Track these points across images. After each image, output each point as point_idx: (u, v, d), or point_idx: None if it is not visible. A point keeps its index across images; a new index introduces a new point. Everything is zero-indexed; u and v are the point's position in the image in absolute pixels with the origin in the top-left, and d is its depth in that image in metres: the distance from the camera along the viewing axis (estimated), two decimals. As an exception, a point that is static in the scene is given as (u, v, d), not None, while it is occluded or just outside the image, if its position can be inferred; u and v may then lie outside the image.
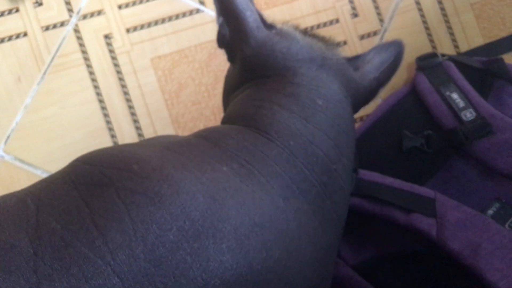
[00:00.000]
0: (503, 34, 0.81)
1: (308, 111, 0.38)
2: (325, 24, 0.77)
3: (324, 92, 0.40)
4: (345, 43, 0.78)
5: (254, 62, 0.42)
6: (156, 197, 0.25)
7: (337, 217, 0.37)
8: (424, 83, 0.70)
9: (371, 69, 0.47)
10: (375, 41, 0.78)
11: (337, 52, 0.46)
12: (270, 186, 0.31)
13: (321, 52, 0.44)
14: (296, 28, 0.47)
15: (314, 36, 0.47)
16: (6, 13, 0.71)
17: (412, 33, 0.79)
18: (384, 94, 0.78)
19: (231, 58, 0.46)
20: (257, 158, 0.32)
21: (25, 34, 0.71)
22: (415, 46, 0.79)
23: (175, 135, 0.38)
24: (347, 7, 0.78)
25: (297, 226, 0.30)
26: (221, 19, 0.44)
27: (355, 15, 0.78)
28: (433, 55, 0.74)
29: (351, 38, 0.78)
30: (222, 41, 0.45)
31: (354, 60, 0.48)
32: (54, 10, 0.72)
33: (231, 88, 0.46)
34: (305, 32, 0.47)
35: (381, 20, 0.79)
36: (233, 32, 0.43)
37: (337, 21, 0.78)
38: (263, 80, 0.42)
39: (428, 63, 0.72)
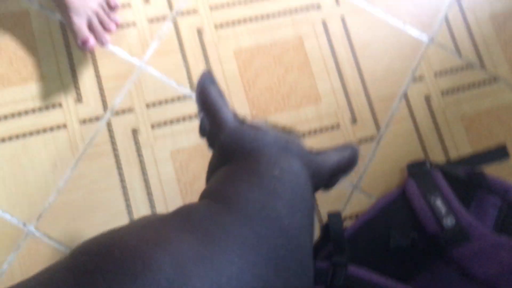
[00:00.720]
0: (491, 143, 0.89)
1: (265, 181, 0.47)
2: (326, 128, 0.87)
3: (282, 165, 0.49)
4: (344, 146, 0.87)
5: (228, 147, 0.52)
6: (132, 274, 0.33)
7: (292, 260, 0.44)
8: (413, 189, 0.77)
9: (330, 159, 0.56)
10: (372, 145, 0.87)
11: (300, 141, 0.56)
12: (228, 248, 0.39)
13: (285, 139, 0.53)
14: (265, 121, 0.58)
15: (280, 128, 0.57)
16: (50, 107, 0.82)
17: (406, 140, 0.88)
18: (378, 194, 0.85)
19: (210, 145, 0.56)
20: (218, 225, 0.41)
21: (65, 126, 0.82)
22: (408, 152, 0.87)
23: (157, 213, 0.47)
24: (347, 114, 0.88)
25: (252, 277, 0.38)
26: (202, 114, 0.56)
27: (354, 121, 0.88)
28: (423, 163, 0.82)
29: (350, 142, 0.87)
30: (204, 131, 0.56)
31: (315, 153, 0.57)
32: (91, 106, 0.83)
33: (211, 170, 0.56)
34: (272, 125, 0.58)
35: (378, 127, 0.88)
36: (212, 123, 0.55)
37: (338, 126, 0.87)
38: (235, 161, 0.51)
39: (418, 170, 0.80)
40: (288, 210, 0.46)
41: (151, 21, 0.87)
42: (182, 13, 0.88)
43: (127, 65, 0.85)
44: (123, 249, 0.36)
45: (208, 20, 0.89)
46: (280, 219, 0.45)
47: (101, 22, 0.82)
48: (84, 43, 0.79)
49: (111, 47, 0.86)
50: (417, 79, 0.91)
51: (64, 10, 0.78)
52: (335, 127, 0.87)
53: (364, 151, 0.87)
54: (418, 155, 0.87)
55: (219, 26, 0.89)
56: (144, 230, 0.39)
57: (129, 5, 0.88)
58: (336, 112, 0.88)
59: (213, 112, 0.55)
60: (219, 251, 0.38)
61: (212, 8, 0.89)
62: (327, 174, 0.55)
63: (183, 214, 0.43)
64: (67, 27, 0.84)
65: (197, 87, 0.56)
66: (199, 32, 0.88)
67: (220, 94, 0.57)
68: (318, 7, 0.91)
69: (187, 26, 0.88)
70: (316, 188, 0.54)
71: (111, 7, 0.84)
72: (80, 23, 0.79)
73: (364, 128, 0.88)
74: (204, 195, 0.50)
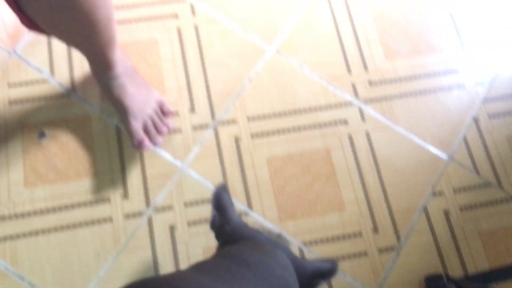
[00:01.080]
0: (508, 261, 0.92)
1: (261, 250, 0.60)
2: (349, 236, 0.93)
3: (274, 248, 0.62)
4: (365, 254, 0.92)
5: (232, 235, 0.68)
6: None
7: None
8: (429, 302, 0.81)
9: (313, 264, 0.67)
10: (392, 255, 0.92)
11: (287, 245, 0.68)
12: (235, 284, 0.49)
13: (275, 240, 0.67)
14: (261, 227, 0.67)
15: (274, 235, 0.70)
16: (100, 201, 0.92)
17: (425, 251, 0.92)
18: (396, 304, 0.89)
19: (217, 237, 0.71)
20: (226, 271, 0.52)
21: (111, 219, 0.91)
22: (427, 263, 0.92)
23: (179, 273, 0.55)
24: (369, 223, 0.94)
25: None
26: (214, 212, 0.72)
27: (375, 230, 0.93)
28: (440, 277, 0.86)
29: (371, 250, 0.92)
30: (213, 224, 0.72)
31: (300, 258, 0.68)
32: (135, 202, 0.92)
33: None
34: (266, 231, 0.71)
35: (398, 238, 0.93)
36: (221, 219, 0.71)
37: (360, 234, 0.93)
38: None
39: (435, 284, 0.84)
40: (279, 267, 0.58)
41: (194, 128, 0.98)
42: (223, 123, 0.99)
43: (171, 167, 0.95)
44: (154, 284, 0.46)
45: (245, 130, 0.99)
46: (274, 270, 0.56)
47: (155, 126, 0.93)
48: (139, 144, 0.90)
49: (158, 149, 0.96)
50: (437, 194, 0.97)
51: (124, 114, 0.90)
52: (357, 235, 0.93)
53: (384, 261, 0.92)
54: (437, 267, 0.91)
55: (254, 135, 0.99)
56: (170, 275, 0.49)
57: (177, 113, 0.99)
58: (358, 221, 0.94)
59: (223, 211, 0.72)
60: (228, 285, 0.48)
61: (249, 119, 1.00)
62: (308, 276, 0.66)
63: (199, 266, 0.54)
64: (124, 129, 0.96)
65: (213, 193, 0.73)
66: (237, 140, 0.98)
67: (230, 200, 0.74)
68: (345, 122, 1.01)
69: (226, 134, 0.98)
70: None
71: (164, 113, 0.96)
72: (137, 126, 0.91)
73: (385, 238, 0.93)
74: (215, 255, 0.61)
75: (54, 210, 0.91)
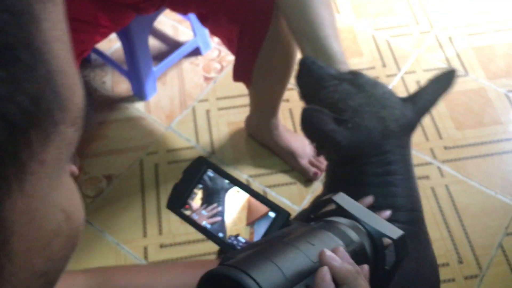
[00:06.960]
0: None
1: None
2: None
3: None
4: (453, 280, 1.11)
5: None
6: None
7: None
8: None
9: (427, 103, 0.71)
10: (476, 281, 1.10)
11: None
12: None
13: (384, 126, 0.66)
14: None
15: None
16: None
17: (504, 279, 1.10)
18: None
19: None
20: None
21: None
22: (507, 286, 1.09)
23: None
24: (455, 256, 1.14)
25: None
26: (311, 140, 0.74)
27: (460, 262, 1.13)
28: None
29: (458, 277, 1.11)
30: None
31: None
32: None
33: None
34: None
35: (480, 268, 1.12)
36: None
37: (448, 264, 1.13)
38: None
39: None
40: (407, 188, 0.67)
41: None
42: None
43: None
44: None
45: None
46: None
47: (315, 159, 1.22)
48: (315, 175, 1.21)
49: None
50: (510, 234, 1.16)
51: (292, 156, 1.22)
52: (445, 265, 1.13)
53: (470, 286, 1.10)
54: (516, 291, 1.09)
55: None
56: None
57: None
58: (445, 254, 1.14)
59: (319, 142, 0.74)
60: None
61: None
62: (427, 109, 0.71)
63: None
64: (293, 167, 1.24)
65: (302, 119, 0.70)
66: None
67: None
68: (427, 177, 1.25)
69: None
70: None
71: None
72: (306, 163, 1.21)
73: (468, 268, 1.12)
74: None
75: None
